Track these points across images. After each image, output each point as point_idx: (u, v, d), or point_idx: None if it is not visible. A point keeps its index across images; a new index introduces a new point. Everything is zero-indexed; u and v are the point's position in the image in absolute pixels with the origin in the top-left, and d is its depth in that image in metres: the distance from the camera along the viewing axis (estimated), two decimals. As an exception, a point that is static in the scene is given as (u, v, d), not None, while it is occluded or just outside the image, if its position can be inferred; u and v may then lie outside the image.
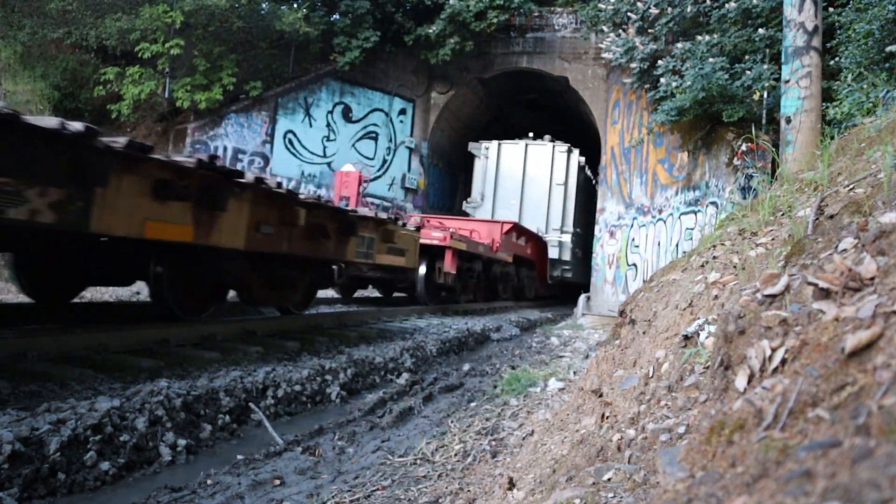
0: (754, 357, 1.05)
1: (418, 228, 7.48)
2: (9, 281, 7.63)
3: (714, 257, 2.57)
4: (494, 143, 16.28)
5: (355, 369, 4.78)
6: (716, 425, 0.91)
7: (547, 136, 16.45)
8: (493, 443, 3.18)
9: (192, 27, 12.68)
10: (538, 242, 15.28)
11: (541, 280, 15.90)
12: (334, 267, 6.46)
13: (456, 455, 3.03)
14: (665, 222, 11.37)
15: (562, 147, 16.03)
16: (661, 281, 2.93)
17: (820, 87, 5.27)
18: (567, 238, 15.78)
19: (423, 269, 9.43)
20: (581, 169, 17.00)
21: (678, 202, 11.13)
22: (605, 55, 11.74)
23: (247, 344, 4.95)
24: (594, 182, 17.92)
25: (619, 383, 2.23)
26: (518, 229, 13.30)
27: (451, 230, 9.60)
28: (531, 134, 16.61)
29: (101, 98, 12.94)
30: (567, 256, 15.98)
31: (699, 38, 9.42)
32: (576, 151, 16.08)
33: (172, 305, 4.95)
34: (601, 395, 2.43)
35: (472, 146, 16.68)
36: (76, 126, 2.76)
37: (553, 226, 15.72)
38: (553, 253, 15.79)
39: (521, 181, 15.94)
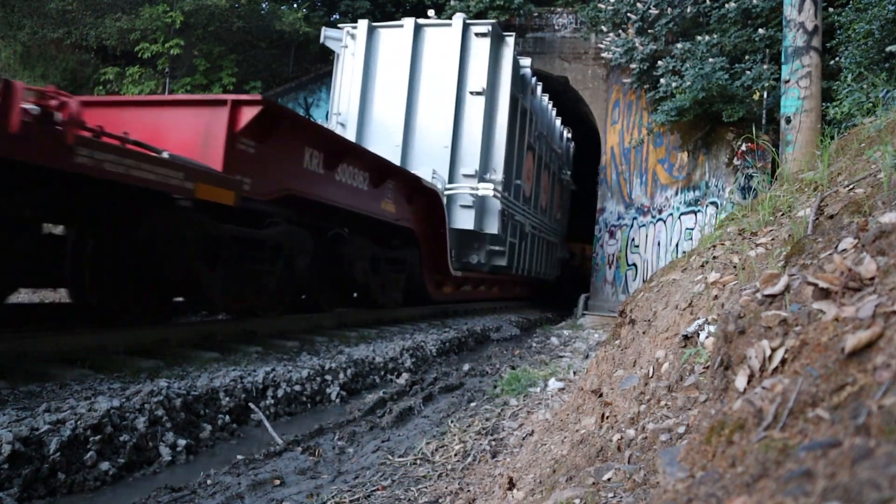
0: (754, 357, 1.05)
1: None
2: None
3: (714, 257, 2.57)
4: (363, 24, 9.87)
5: (355, 369, 4.78)
6: (716, 425, 0.91)
7: (459, 15, 9.82)
8: (493, 443, 3.18)
9: (191, 27, 12.69)
10: (426, 199, 8.11)
11: (432, 268, 8.75)
12: None
13: (456, 455, 3.03)
14: (665, 222, 11.37)
15: (481, 28, 9.57)
16: (661, 281, 2.93)
17: (820, 87, 5.27)
18: (490, 192, 9.19)
19: None
20: (520, 77, 10.90)
21: (678, 202, 11.13)
22: (604, 55, 11.74)
23: (246, 344, 4.95)
24: (562, 132, 14.42)
25: (619, 383, 2.23)
26: (330, 143, 5.75)
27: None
28: (431, 12, 10.43)
29: (102, 98, 12.94)
30: (494, 227, 9.48)
31: (699, 38, 9.43)
32: (509, 41, 9.91)
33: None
34: (601, 395, 2.43)
35: (326, 34, 10.46)
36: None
37: (465, 170, 9.20)
38: (463, 219, 9.21)
39: (408, 90, 9.55)
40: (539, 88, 12.35)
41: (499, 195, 9.61)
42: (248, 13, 13.55)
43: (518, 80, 10.85)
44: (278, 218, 5.76)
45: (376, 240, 7.45)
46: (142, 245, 4.24)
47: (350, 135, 9.49)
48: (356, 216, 6.59)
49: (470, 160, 9.43)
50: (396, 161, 8.96)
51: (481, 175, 9.41)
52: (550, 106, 13.68)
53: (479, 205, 9.45)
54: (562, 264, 17.78)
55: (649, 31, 10.61)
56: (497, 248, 10.20)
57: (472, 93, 9.49)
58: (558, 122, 14.56)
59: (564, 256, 18.09)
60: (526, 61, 11.33)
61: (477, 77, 9.56)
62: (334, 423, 3.61)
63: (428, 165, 9.14)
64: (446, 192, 9.06)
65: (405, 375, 5.17)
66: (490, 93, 9.66)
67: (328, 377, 4.42)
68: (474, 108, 9.42)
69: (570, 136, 16.56)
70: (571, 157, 17.37)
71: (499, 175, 9.64)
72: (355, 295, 7.87)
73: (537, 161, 12.92)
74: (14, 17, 12.53)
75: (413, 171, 8.27)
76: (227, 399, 3.51)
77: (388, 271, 7.80)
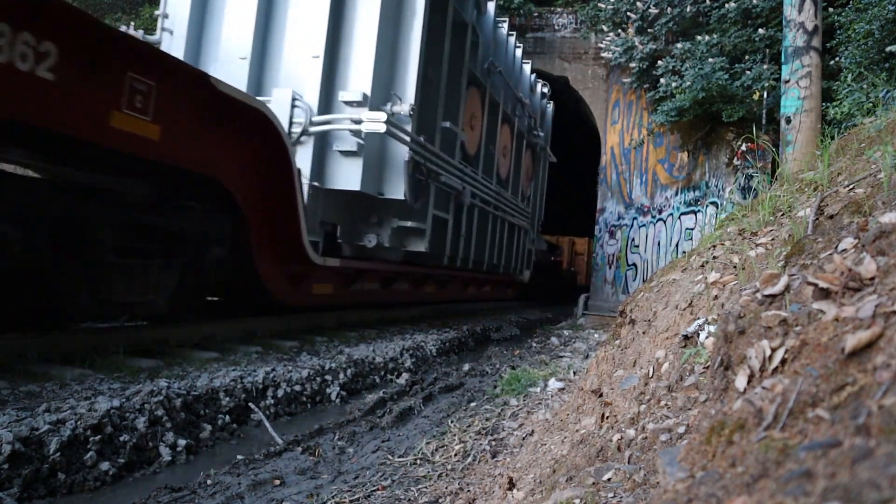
0: (754, 357, 1.05)
1: None
2: None
3: (714, 257, 2.57)
4: None
5: (355, 369, 4.78)
6: (716, 425, 0.91)
7: None
8: (493, 443, 3.18)
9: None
10: (250, 130, 4.73)
11: (276, 253, 5.32)
12: None
13: (456, 455, 3.03)
14: (665, 222, 11.38)
15: None
16: (661, 281, 2.93)
17: (820, 87, 5.27)
18: (381, 126, 5.70)
19: None
20: None
21: (678, 202, 11.14)
22: (604, 55, 11.75)
23: (246, 344, 4.95)
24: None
25: (619, 383, 2.23)
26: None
27: None
28: None
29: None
30: (399, 189, 6.27)
31: (699, 38, 9.43)
32: None
33: None
34: (601, 395, 2.43)
35: None
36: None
37: (346, 94, 5.92)
38: (342, 174, 6.00)
39: None
40: (492, 6, 9.29)
41: (407, 137, 6.07)
42: None
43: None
44: None
45: (115, 197, 4.17)
46: None
47: (178, 48, 6.24)
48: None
49: (356, 79, 6.03)
50: (242, 85, 5.81)
51: (375, 103, 5.97)
52: (518, 52, 10.96)
53: (373, 152, 6.12)
54: (539, 258, 14.21)
55: (649, 30, 10.62)
56: (410, 223, 6.60)
57: None
58: (527, 68, 11.45)
59: (540, 248, 14.09)
60: None
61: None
62: (334, 423, 3.61)
63: (291, 88, 5.88)
64: (313, 130, 5.74)
65: (405, 375, 5.17)
66: None
67: (328, 377, 4.42)
68: (367, 4, 6.21)
69: (547, 92, 12.98)
70: (550, 121, 13.64)
71: (405, 106, 6.15)
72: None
73: (489, 106, 9.00)
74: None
75: (269, 98, 5.68)
76: (227, 399, 3.51)
77: (134, 254, 4.18)
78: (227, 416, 3.43)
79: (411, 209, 6.59)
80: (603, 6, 11.55)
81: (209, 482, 2.60)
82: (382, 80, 6.28)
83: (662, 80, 9.88)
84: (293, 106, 5.84)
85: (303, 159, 5.76)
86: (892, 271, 0.95)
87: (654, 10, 10.49)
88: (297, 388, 4.06)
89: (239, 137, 4.65)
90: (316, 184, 5.84)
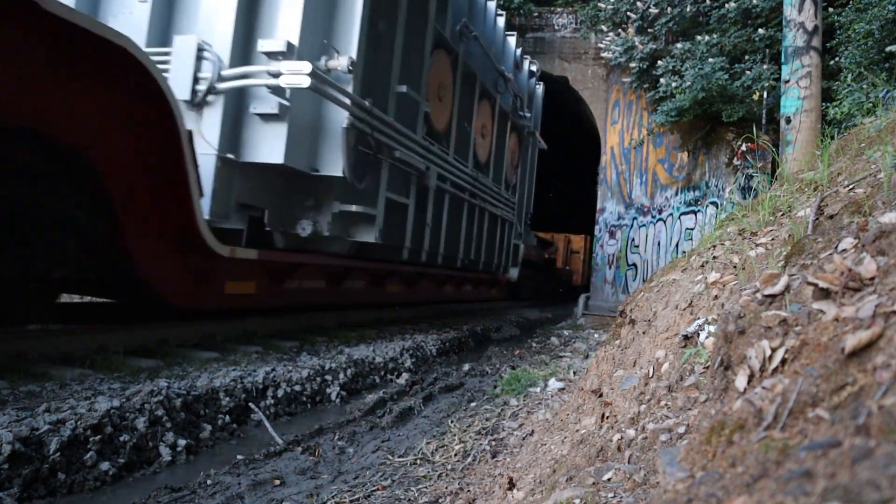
0: (754, 357, 1.05)
1: None
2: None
3: (714, 257, 2.57)
4: None
5: (355, 369, 4.78)
6: (716, 425, 0.91)
7: None
8: (493, 443, 3.18)
9: None
10: (116, 79, 3.57)
11: (163, 240, 4.13)
12: None
13: (456, 455, 3.03)
14: (665, 222, 11.39)
15: None
16: (661, 281, 2.93)
17: (820, 87, 5.27)
18: (303, 79, 4.45)
19: None
20: None
21: (678, 202, 11.15)
22: (604, 55, 11.76)
23: (246, 344, 4.95)
24: None
25: (619, 383, 2.23)
26: None
27: None
28: None
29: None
30: (337, 164, 5.12)
31: (699, 38, 9.44)
32: None
33: None
34: (601, 395, 2.43)
35: None
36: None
37: (266, 44, 4.72)
38: (261, 143, 4.83)
39: None
40: None
41: (346, 100, 4.98)
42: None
43: None
44: None
45: None
46: None
47: None
48: None
49: (282, 25, 4.95)
50: (142, 35, 4.90)
51: (305, 56, 4.84)
52: (501, 21, 9.91)
53: (303, 117, 4.98)
54: (530, 255, 13.46)
55: (649, 30, 10.63)
56: (356, 208, 5.39)
57: None
58: (512, 41, 10.35)
59: (529, 243, 12.92)
60: None
61: None
62: (334, 423, 3.61)
63: (198, 36, 4.79)
64: (222, 86, 4.64)
65: (405, 375, 5.18)
66: None
67: (328, 377, 4.42)
68: None
69: (536, 71, 11.88)
70: (540, 103, 12.51)
71: (343, 60, 5.04)
72: None
73: (462, 75, 7.89)
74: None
75: (169, 49, 4.76)
76: (227, 399, 3.51)
77: None
78: (227, 416, 3.43)
79: (356, 190, 5.43)
80: (603, 6, 11.56)
81: (209, 482, 2.60)
82: (316, 27, 5.12)
83: (662, 80, 9.89)
84: (199, 58, 4.69)
85: (210, 124, 4.66)
86: (892, 271, 0.95)
87: (654, 10, 10.50)
88: (297, 388, 4.06)
89: (96, 85, 3.50)
90: (231, 156, 4.73)
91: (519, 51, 10.95)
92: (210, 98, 4.72)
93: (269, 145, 4.82)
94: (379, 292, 7.52)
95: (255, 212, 5.13)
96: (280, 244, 5.42)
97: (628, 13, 10.96)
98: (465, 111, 8.19)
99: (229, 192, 4.81)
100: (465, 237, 8.56)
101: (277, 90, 4.69)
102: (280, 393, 3.90)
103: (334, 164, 5.15)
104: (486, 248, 9.53)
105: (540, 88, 12.55)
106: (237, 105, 4.87)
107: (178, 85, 4.56)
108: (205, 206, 4.44)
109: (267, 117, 4.81)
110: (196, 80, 4.69)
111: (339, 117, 5.10)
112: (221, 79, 4.70)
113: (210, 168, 4.56)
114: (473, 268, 9.33)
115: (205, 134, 4.57)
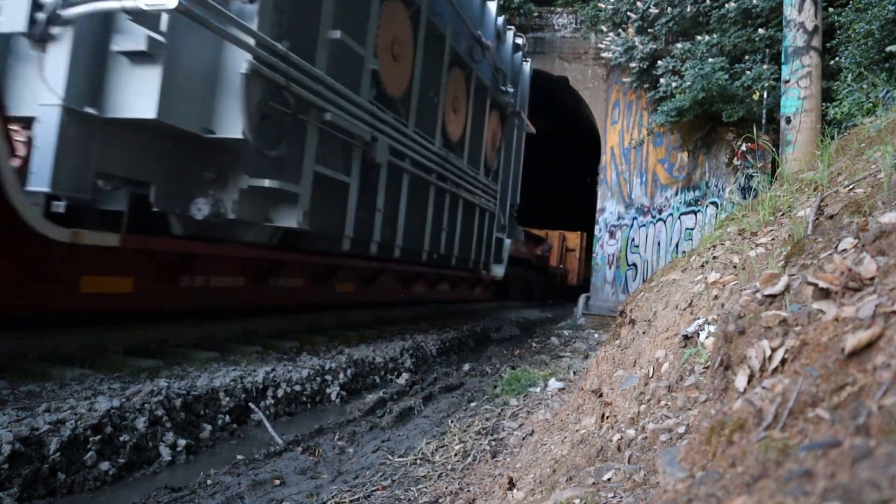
0: (754, 357, 1.05)
1: None
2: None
3: (714, 257, 2.57)
4: None
5: (355, 369, 4.78)
6: (716, 425, 0.91)
7: None
8: (493, 443, 3.18)
9: None
10: None
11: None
12: None
13: (456, 455, 3.03)
14: (665, 222, 11.39)
15: None
16: (661, 281, 2.93)
17: (820, 87, 5.27)
18: (172, 2, 3.28)
19: None
20: None
21: (678, 202, 11.15)
22: (604, 55, 11.76)
23: (246, 344, 4.95)
24: None
25: (619, 383, 2.23)
26: None
27: None
28: None
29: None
30: (238, 122, 3.91)
31: (699, 38, 9.44)
32: None
33: None
34: (601, 395, 2.43)
35: None
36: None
37: None
38: (129, 95, 3.64)
39: None
40: None
41: (250, 39, 3.92)
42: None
43: None
44: None
45: None
46: None
47: None
48: None
49: None
50: None
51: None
52: None
53: (188, 58, 3.87)
54: (519, 252, 12.48)
55: (649, 30, 10.63)
56: (269, 183, 4.25)
57: None
58: (493, 6, 9.07)
59: (515, 237, 11.75)
60: None
61: None
62: (334, 423, 3.61)
63: None
64: (69, 13, 3.53)
65: (405, 375, 5.18)
66: None
67: (328, 377, 4.42)
68: None
69: (522, 45, 10.83)
70: (527, 82, 11.33)
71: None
72: None
73: (426, 33, 6.71)
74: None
75: None
76: (227, 399, 3.51)
77: None
78: (227, 416, 3.43)
79: (270, 160, 4.24)
80: (603, 6, 11.56)
81: (209, 482, 2.60)
82: None
83: (662, 80, 9.89)
84: None
85: (55, 66, 3.51)
86: (892, 271, 0.95)
87: (654, 10, 10.49)
88: (297, 388, 4.06)
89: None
90: (90, 110, 3.60)
91: (501, 20, 9.58)
92: (54, 30, 3.54)
93: (136, 94, 3.66)
94: (323, 292, 6.39)
95: (139, 188, 3.95)
96: (178, 230, 4.32)
97: (628, 13, 10.95)
98: (428, 76, 6.82)
99: (87, 157, 3.64)
100: (433, 227, 7.18)
101: (141, 16, 3.53)
102: (280, 393, 3.90)
103: (232, 124, 3.98)
104: (460, 241, 8.11)
105: (527, 66, 11.31)
106: (97, 42, 3.66)
107: (11, 13, 3.51)
108: (42, 174, 3.37)
109: (134, 57, 3.63)
110: (37, 6, 3.54)
111: (238, 60, 3.93)
112: (69, 3, 3.52)
113: (53, 124, 3.43)
114: (446, 263, 8.06)
115: (47, 78, 3.47)
